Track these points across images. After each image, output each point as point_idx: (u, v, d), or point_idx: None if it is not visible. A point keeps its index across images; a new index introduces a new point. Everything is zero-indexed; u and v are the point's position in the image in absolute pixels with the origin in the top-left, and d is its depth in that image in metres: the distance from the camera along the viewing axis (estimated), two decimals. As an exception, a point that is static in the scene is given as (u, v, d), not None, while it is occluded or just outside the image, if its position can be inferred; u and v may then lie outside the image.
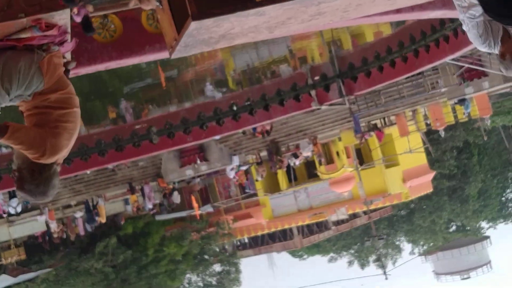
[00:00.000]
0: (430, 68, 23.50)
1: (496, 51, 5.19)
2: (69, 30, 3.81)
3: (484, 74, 23.71)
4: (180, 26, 4.58)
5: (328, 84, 22.91)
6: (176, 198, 30.07)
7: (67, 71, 3.96)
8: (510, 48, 5.05)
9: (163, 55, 10.97)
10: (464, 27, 5.36)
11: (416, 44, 19.80)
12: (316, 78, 22.94)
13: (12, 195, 25.28)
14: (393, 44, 20.83)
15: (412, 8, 12.22)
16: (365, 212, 38.28)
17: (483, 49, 5.25)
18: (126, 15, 10.49)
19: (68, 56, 4.15)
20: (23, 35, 3.59)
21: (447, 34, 18.78)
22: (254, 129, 27.20)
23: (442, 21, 18.78)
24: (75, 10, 9.51)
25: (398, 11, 11.93)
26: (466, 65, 23.34)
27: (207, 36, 4.70)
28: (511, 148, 51.47)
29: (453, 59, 22.33)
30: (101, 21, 10.57)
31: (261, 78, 29.33)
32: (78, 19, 9.83)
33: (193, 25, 4.29)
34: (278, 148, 28.50)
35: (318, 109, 24.37)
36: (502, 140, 50.68)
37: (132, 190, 27.89)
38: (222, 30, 4.64)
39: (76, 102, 3.90)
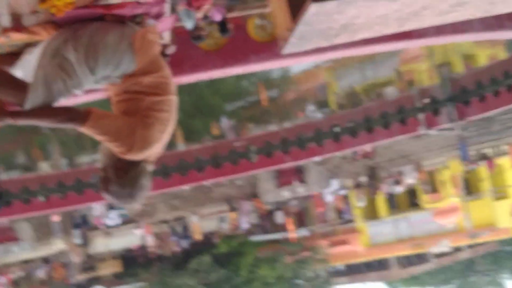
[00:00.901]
0: (550, 95, 21.88)
1: None
2: (167, -1, 3.16)
3: None
4: (296, 12, 3.94)
5: (438, 107, 21.71)
6: (281, 217, 29.68)
7: (164, 56, 3.35)
8: None
9: (269, 65, 10.44)
10: None
11: (538, 68, 18.42)
12: (425, 100, 21.79)
13: (111, 207, 25.55)
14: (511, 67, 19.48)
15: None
16: (469, 246, 36.38)
17: None
18: (232, 22, 10.01)
19: (167, 37, 3.53)
20: (113, 0, 2.98)
21: None
22: (355, 152, 26.44)
23: None
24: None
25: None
26: None
27: (326, 25, 4.02)
28: None
29: None
30: (207, 28, 10.15)
31: (365, 99, 28.54)
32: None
33: (313, 8, 3.63)
34: (375, 172, 27.61)
35: (426, 134, 23.19)
36: None
37: (231, 208, 27.75)
38: (345, 18, 3.95)
39: (173, 88, 3.24)
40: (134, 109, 3.11)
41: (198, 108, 29.26)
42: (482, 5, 4.27)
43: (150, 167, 3.24)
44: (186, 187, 24.89)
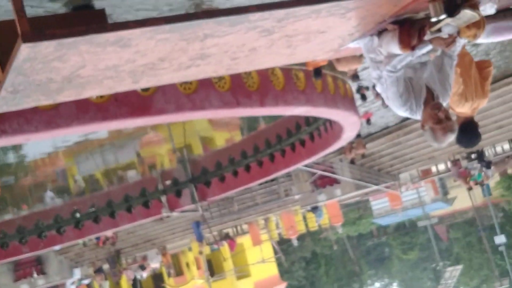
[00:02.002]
0: (284, 174, 23.10)
1: (419, 116, 4.21)
2: None
3: (336, 181, 23.68)
4: (5, 57, 3.20)
5: (180, 189, 21.70)
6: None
7: None
8: (429, 117, 4.05)
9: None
10: (379, 88, 4.35)
11: (272, 148, 19.29)
12: (167, 182, 21.69)
13: None
14: (249, 148, 20.22)
15: (276, 103, 11.51)
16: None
17: (403, 113, 4.23)
18: None
19: None
20: None
21: (303, 138, 18.46)
22: (98, 238, 25.44)
23: (298, 125, 18.47)
24: None
25: (262, 104, 11.15)
26: (319, 172, 23.19)
27: (45, 76, 3.32)
28: (355, 259, 52.46)
29: (306, 166, 22.09)
30: None
31: (106, 184, 27.74)
32: None
33: (25, 51, 2.91)
34: (118, 256, 26.83)
35: (168, 216, 22.99)
36: (347, 250, 51.59)
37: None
38: (67, 68, 3.29)
39: None
40: None
41: None
42: (225, 61, 3.92)
43: None
44: None
